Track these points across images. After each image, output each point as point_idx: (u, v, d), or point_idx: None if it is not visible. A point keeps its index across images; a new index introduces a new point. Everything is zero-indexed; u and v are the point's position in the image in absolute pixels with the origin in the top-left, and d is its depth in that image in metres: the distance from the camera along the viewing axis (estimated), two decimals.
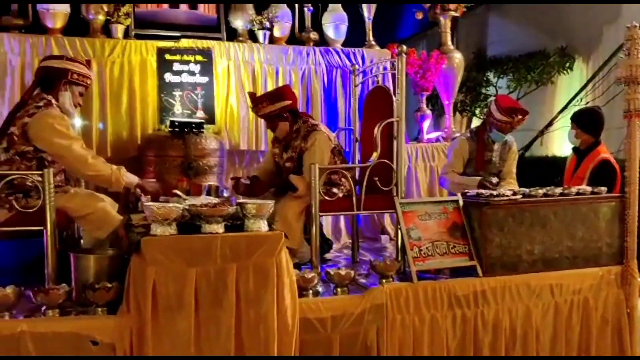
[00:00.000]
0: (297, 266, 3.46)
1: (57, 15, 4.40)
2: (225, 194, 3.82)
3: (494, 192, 3.40)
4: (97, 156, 3.09)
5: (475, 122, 6.98)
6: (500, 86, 6.58)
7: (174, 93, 4.49)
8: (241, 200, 2.99)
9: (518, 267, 3.32)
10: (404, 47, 3.61)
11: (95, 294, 2.67)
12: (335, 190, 3.56)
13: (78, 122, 4.21)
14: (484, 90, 6.70)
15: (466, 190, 3.59)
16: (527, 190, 3.48)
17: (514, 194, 3.41)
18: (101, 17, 4.49)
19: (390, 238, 5.04)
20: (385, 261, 3.27)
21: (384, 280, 3.19)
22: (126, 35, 4.58)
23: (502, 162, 4.22)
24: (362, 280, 3.31)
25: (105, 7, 4.48)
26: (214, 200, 3.14)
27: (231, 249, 2.70)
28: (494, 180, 3.88)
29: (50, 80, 3.14)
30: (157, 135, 4.27)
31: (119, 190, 3.10)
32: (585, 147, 4.02)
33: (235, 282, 2.70)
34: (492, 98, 6.47)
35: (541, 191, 3.45)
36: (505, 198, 3.34)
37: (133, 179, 3.14)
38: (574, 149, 4.13)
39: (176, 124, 4.13)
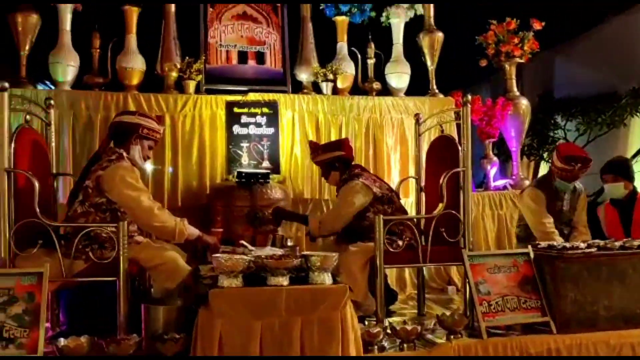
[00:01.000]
0: (361, 319, 3.42)
1: (134, 73, 4.66)
2: (290, 243, 3.85)
3: (567, 244, 3.26)
4: (163, 208, 3.19)
5: (543, 167, 6.80)
6: (569, 129, 6.40)
7: (241, 144, 4.61)
8: (306, 252, 3.00)
9: (595, 324, 3.14)
10: (469, 97, 3.58)
11: (164, 346, 2.72)
12: (399, 241, 3.50)
13: (149, 172, 4.40)
14: (551, 134, 6.52)
15: (537, 242, 3.46)
16: (601, 242, 3.32)
17: (589, 246, 3.25)
18: (174, 74, 4.71)
19: (457, 289, 4.87)
20: (453, 316, 3.17)
21: (452, 336, 3.08)
22: (197, 90, 4.76)
23: (572, 210, 4.07)
24: (429, 336, 3.21)
25: (178, 64, 4.70)
26: (279, 251, 3.17)
27: (296, 302, 2.69)
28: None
29: (122, 134, 3.29)
30: (224, 186, 4.37)
31: (181, 242, 3.17)
32: (628, 196, 3.95)
33: (300, 336, 2.69)
34: (561, 141, 6.32)
35: (617, 243, 3.27)
36: (579, 251, 3.19)
37: (194, 231, 3.22)
38: (613, 201, 4.03)
39: (243, 174, 4.22)
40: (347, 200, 3.62)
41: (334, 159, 3.78)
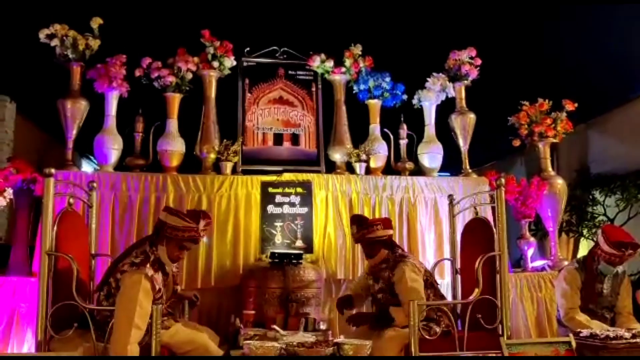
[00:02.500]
0: None
1: (174, 154, 4.81)
2: (322, 327, 3.78)
3: (610, 334, 3.11)
4: (135, 345, 2.86)
5: (583, 244, 6.62)
6: (608, 205, 6.24)
7: (275, 224, 4.64)
8: (338, 339, 2.95)
9: None
10: (502, 180, 3.57)
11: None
12: (435, 328, 3.41)
13: None
14: (590, 210, 6.37)
15: (579, 330, 3.32)
16: None
17: (634, 336, 3.10)
18: (212, 156, 4.85)
19: None
20: None
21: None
22: (234, 171, 4.86)
23: (614, 295, 3.91)
24: None
25: (216, 146, 4.85)
26: (310, 337, 3.12)
27: None
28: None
29: (156, 231, 3.20)
30: (257, 266, 4.35)
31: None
32: None
33: None
34: (601, 218, 6.17)
35: None
36: (624, 341, 3.05)
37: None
38: None
39: (276, 255, 4.22)
40: (417, 282, 3.51)
41: (389, 236, 3.72)
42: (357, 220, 3.78)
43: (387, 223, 3.76)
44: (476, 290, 3.39)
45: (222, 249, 4.57)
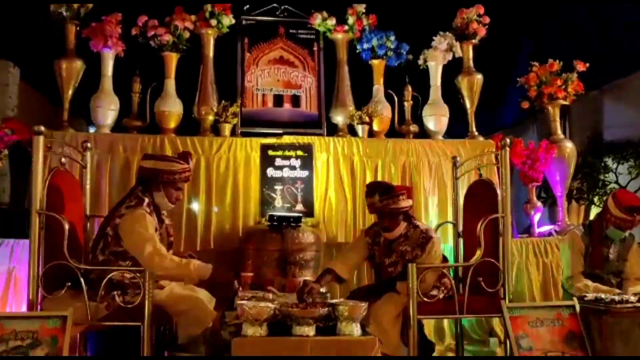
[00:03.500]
0: None
1: (172, 116, 4.72)
2: (322, 290, 3.74)
3: (616, 297, 3.04)
4: (166, 254, 3.06)
5: (593, 212, 6.50)
6: (620, 172, 6.11)
7: (275, 187, 4.57)
8: (334, 300, 2.89)
9: None
10: (507, 140, 3.46)
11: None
12: (434, 292, 3.35)
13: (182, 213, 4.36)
14: (602, 177, 6.25)
15: (584, 294, 3.25)
16: None
17: None
18: (211, 117, 4.75)
19: (500, 342, 4.58)
20: None
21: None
22: (233, 133, 4.78)
23: (621, 261, 3.83)
24: None
25: (215, 108, 4.75)
26: (309, 297, 3.07)
27: (323, 354, 2.59)
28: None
29: (145, 180, 3.22)
30: (256, 229, 4.31)
31: (195, 283, 3.09)
32: None
33: None
34: (612, 185, 6.05)
35: None
36: (630, 305, 2.97)
37: (205, 270, 3.09)
38: None
39: (275, 218, 4.16)
40: (439, 253, 3.43)
41: (410, 207, 3.46)
42: (381, 188, 3.44)
43: (409, 192, 3.50)
44: (478, 252, 3.32)
45: (221, 211, 4.54)
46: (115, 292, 3.01)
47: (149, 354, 2.92)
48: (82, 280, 2.97)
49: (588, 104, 6.59)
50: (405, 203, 3.41)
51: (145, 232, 3.03)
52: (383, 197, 3.39)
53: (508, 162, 3.40)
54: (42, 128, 3.06)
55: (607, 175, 6.22)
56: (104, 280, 2.94)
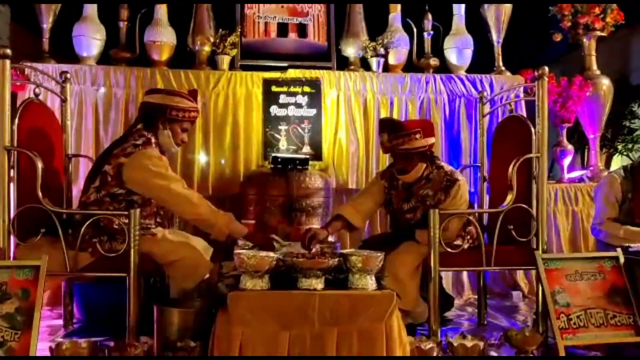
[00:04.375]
0: (411, 328, 3.01)
1: (164, 47, 4.36)
2: (330, 239, 3.48)
3: None
4: (203, 198, 2.83)
5: (616, 160, 6.19)
6: None
7: (279, 127, 4.26)
8: (346, 250, 2.59)
9: None
10: (545, 68, 3.08)
11: (174, 355, 2.37)
12: (458, 241, 3.04)
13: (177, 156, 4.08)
14: (627, 123, 5.89)
15: (629, 244, 2.93)
16: None
17: None
18: (207, 49, 4.39)
19: (523, 295, 4.40)
20: (524, 332, 2.70)
21: (521, 356, 2.62)
22: (232, 66, 4.44)
23: None
24: (493, 353, 2.76)
25: (211, 37, 4.38)
26: (314, 249, 2.78)
27: (331, 311, 2.32)
28: None
29: (150, 117, 2.94)
30: (258, 172, 4.03)
31: (222, 239, 2.80)
32: None
33: (336, 350, 2.31)
34: (639, 132, 5.73)
35: None
36: None
37: (241, 230, 2.81)
38: None
39: (279, 159, 3.86)
40: (465, 198, 3.10)
41: (430, 146, 3.09)
42: (390, 126, 3.09)
43: (428, 129, 3.10)
44: (509, 196, 3.01)
45: (219, 154, 4.26)
46: (101, 238, 2.75)
47: (135, 309, 2.67)
48: (58, 225, 2.68)
49: (615, 43, 6.13)
50: (420, 142, 3.04)
51: (165, 171, 2.79)
52: (392, 136, 3.04)
53: (546, 93, 3.03)
54: (8, 51, 2.71)
55: (633, 122, 5.87)
56: (86, 224, 2.68)
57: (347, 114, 4.37)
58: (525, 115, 3.61)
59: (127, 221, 2.67)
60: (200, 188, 4.14)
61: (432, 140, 3.08)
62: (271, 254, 2.42)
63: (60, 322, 3.45)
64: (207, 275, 2.89)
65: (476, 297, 4.27)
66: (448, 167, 3.15)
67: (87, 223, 2.68)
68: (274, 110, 4.26)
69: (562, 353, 2.54)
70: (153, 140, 2.87)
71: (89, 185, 2.82)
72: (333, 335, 2.32)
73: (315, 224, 3.73)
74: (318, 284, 2.35)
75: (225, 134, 4.25)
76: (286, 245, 2.96)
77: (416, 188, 3.12)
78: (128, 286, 2.67)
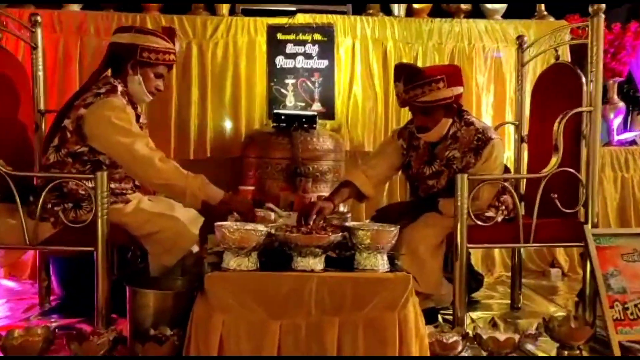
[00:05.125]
0: (432, 312, 2.64)
1: None
2: (342, 209, 3.11)
3: None
4: (169, 160, 2.46)
5: None
6: None
7: (286, 81, 3.88)
8: (353, 223, 2.21)
9: None
10: (602, 5, 2.60)
11: (145, 347, 2.04)
12: (490, 212, 2.63)
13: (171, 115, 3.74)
14: None
15: None
16: None
17: None
18: None
19: (563, 273, 4.03)
20: (568, 322, 2.30)
21: (565, 352, 2.23)
22: (232, 11, 4.03)
23: None
24: (530, 346, 2.39)
25: None
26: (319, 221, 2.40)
27: (332, 296, 1.97)
28: None
29: (118, 60, 2.58)
30: (259, 132, 3.68)
31: (197, 207, 2.44)
32: None
33: (338, 344, 1.97)
34: None
35: None
36: None
37: (216, 193, 2.43)
38: None
39: (282, 117, 3.49)
40: (500, 160, 2.68)
41: (456, 97, 2.62)
42: (406, 73, 2.63)
43: (454, 76, 2.62)
44: (553, 159, 2.58)
45: (219, 111, 3.91)
46: (64, 206, 2.42)
47: (105, 289, 2.34)
48: (14, 189, 2.36)
49: None
50: (444, 92, 2.57)
51: (129, 125, 2.41)
52: (409, 85, 2.58)
53: (602, 34, 2.57)
54: None
55: None
56: (46, 189, 2.35)
57: (364, 65, 3.99)
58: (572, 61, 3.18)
59: (92, 186, 2.31)
60: (197, 150, 3.86)
61: (459, 89, 2.63)
62: (260, 227, 2.05)
63: (35, 300, 3.16)
64: (197, 250, 2.57)
65: (509, 274, 3.92)
66: (480, 123, 2.71)
67: (48, 188, 2.34)
68: (280, 61, 3.88)
69: (616, 351, 2.15)
70: (120, 88, 2.50)
71: (48, 145, 2.48)
72: (334, 327, 1.97)
73: (324, 191, 3.36)
74: (317, 264, 1.99)
75: (224, 89, 3.90)
76: (285, 216, 2.60)
77: (440, 149, 2.69)
78: (96, 262, 2.34)
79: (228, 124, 3.92)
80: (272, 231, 2.05)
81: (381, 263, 2.04)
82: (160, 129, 3.72)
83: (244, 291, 1.96)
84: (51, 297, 3.14)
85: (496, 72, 4.07)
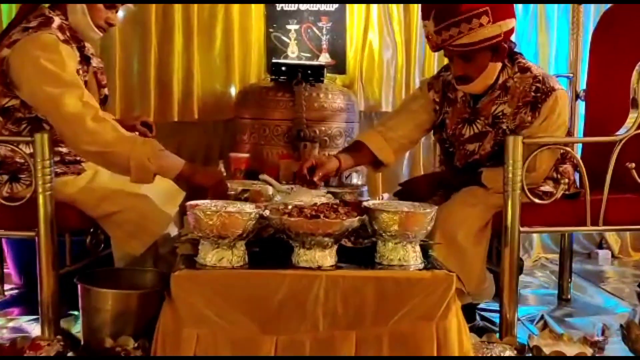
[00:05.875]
0: (468, 310, 2.17)
1: None
2: (354, 180, 2.73)
3: None
4: (106, 118, 1.93)
5: None
6: None
7: (288, 27, 3.44)
8: (373, 202, 1.73)
9: None
10: None
11: None
12: (547, 186, 2.14)
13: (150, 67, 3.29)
14: None
15: None
16: None
17: None
18: None
19: (613, 255, 3.66)
20: None
21: None
22: None
23: None
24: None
25: None
26: (324, 197, 1.90)
27: (347, 303, 1.52)
28: None
29: None
30: (255, 88, 3.22)
31: (147, 181, 1.93)
32: None
33: None
34: None
35: None
36: None
37: (172, 164, 1.93)
38: None
39: (282, 68, 3.02)
40: (564, 118, 2.16)
41: (506, 34, 2.09)
42: (437, 9, 2.10)
43: (501, 8, 2.08)
44: (631, 117, 2.07)
45: (208, 65, 3.47)
46: None
47: (50, 287, 1.88)
48: None
49: None
50: (489, 30, 2.03)
51: (61, 70, 1.90)
52: (441, 24, 2.06)
53: None
54: None
55: None
56: None
57: (381, 8, 3.55)
58: None
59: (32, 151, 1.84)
60: (183, 111, 3.42)
61: (509, 24, 2.07)
62: (248, 208, 1.57)
63: None
64: (176, 233, 2.11)
65: (549, 256, 3.58)
66: (538, 70, 2.18)
67: None
68: (281, 3, 3.45)
69: None
70: (58, 21, 1.99)
71: None
72: (349, 344, 1.53)
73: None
74: (325, 258, 1.54)
75: (214, 37, 3.46)
76: (286, 191, 2.11)
77: (485, 103, 2.17)
78: (38, 251, 1.88)
79: (219, 80, 3.49)
80: (266, 213, 1.56)
81: (413, 257, 1.58)
82: (137, 85, 3.31)
83: (225, 296, 1.50)
84: (6, 287, 2.76)
85: (540, 15, 3.62)
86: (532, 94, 2.09)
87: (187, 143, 3.43)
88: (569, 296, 2.80)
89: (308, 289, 1.49)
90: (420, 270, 1.55)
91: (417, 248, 1.60)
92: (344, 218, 1.51)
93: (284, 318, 1.49)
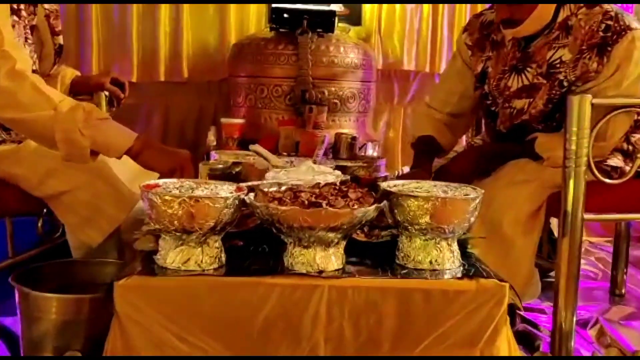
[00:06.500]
0: (509, 313, 1.78)
1: None
2: (370, 151, 2.44)
3: None
4: (26, 74, 1.49)
5: None
6: None
7: None
8: (392, 182, 1.33)
9: None
10: None
11: None
12: (615, 160, 1.74)
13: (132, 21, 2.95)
14: None
15: None
16: None
17: None
18: None
19: None
20: None
21: None
22: None
23: None
24: None
25: None
26: (330, 174, 1.51)
27: (356, 323, 1.14)
28: None
29: None
30: (252, 39, 2.85)
31: (83, 161, 1.50)
32: None
33: None
34: None
35: None
36: None
37: (114, 138, 1.50)
38: None
39: (284, 14, 2.63)
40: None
41: None
42: None
43: None
44: None
45: (200, 17, 3.13)
46: None
47: None
48: None
49: None
50: None
51: None
52: None
53: None
54: None
55: None
56: None
57: None
58: None
59: None
60: (171, 69, 3.11)
61: None
62: (223, 191, 1.19)
63: None
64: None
65: (593, 240, 3.24)
66: (608, 5, 1.75)
67: None
68: None
69: None
70: None
71: None
72: None
73: (345, 127, 2.58)
74: (328, 260, 1.16)
75: None
76: (284, 165, 1.73)
77: (539, 46, 1.75)
78: None
79: (212, 34, 3.14)
80: (249, 199, 1.17)
81: (449, 259, 1.21)
82: (118, 39, 2.98)
83: (191, 313, 1.13)
84: None
85: None
86: (601, 33, 1.66)
87: (175, 107, 3.13)
88: (623, 291, 2.41)
89: (305, 304, 1.11)
90: (459, 278, 1.16)
91: (455, 247, 1.21)
92: (355, 206, 1.12)
93: (272, 343, 1.12)
